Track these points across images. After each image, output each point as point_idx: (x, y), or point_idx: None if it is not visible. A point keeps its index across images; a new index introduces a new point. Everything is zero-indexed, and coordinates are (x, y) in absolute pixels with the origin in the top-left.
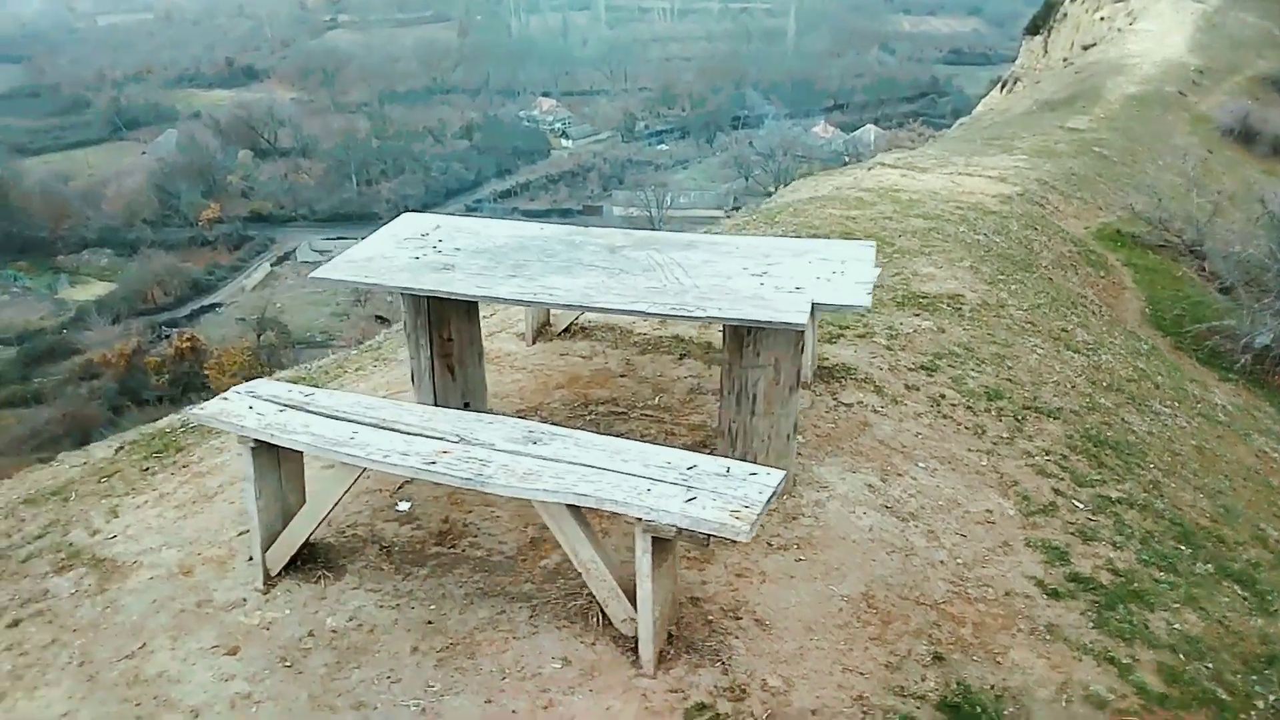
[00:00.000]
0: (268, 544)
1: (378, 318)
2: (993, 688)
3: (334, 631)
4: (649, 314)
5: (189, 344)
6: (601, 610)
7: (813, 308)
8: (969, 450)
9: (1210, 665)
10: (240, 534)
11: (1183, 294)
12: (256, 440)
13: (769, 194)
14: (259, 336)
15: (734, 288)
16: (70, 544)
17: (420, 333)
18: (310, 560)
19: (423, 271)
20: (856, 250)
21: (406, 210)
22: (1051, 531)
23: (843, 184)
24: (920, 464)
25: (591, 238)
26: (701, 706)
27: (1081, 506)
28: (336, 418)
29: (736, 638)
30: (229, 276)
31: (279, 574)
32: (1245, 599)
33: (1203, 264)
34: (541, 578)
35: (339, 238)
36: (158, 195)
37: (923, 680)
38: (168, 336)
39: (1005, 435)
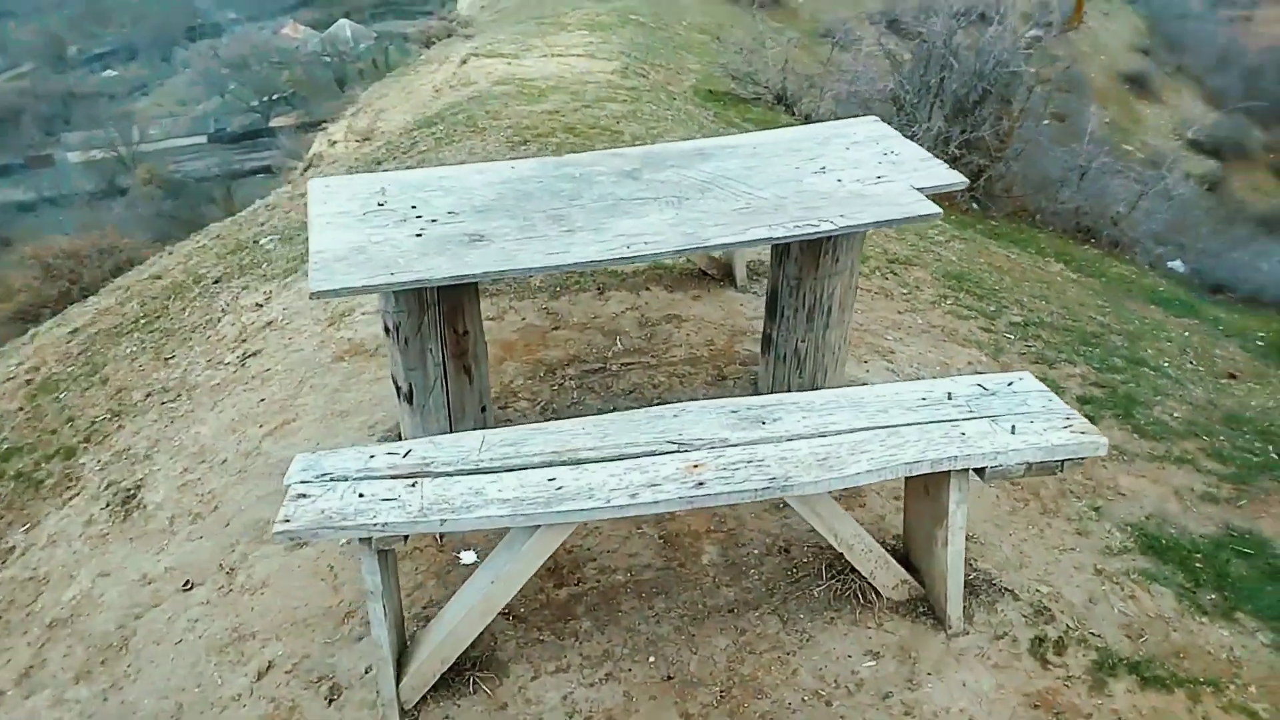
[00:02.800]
0: (400, 671)
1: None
2: None
3: None
4: (781, 238)
5: None
6: (867, 585)
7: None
8: (902, 313)
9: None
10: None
11: None
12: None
13: (254, 109)
14: None
15: (823, 189)
16: None
17: (429, 333)
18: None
19: (448, 249)
20: (872, 128)
21: None
22: (1024, 367)
23: (473, 78)
24: (895, 337)
25: (587, 166)
26: (1039, 640)
27: (1013, 339)
28: (511, 468)
29: (983, 560)
30: None
31: (414, 706)
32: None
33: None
34: (731, 577)
35: None
36: None
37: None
38: None
39: (930, 298)
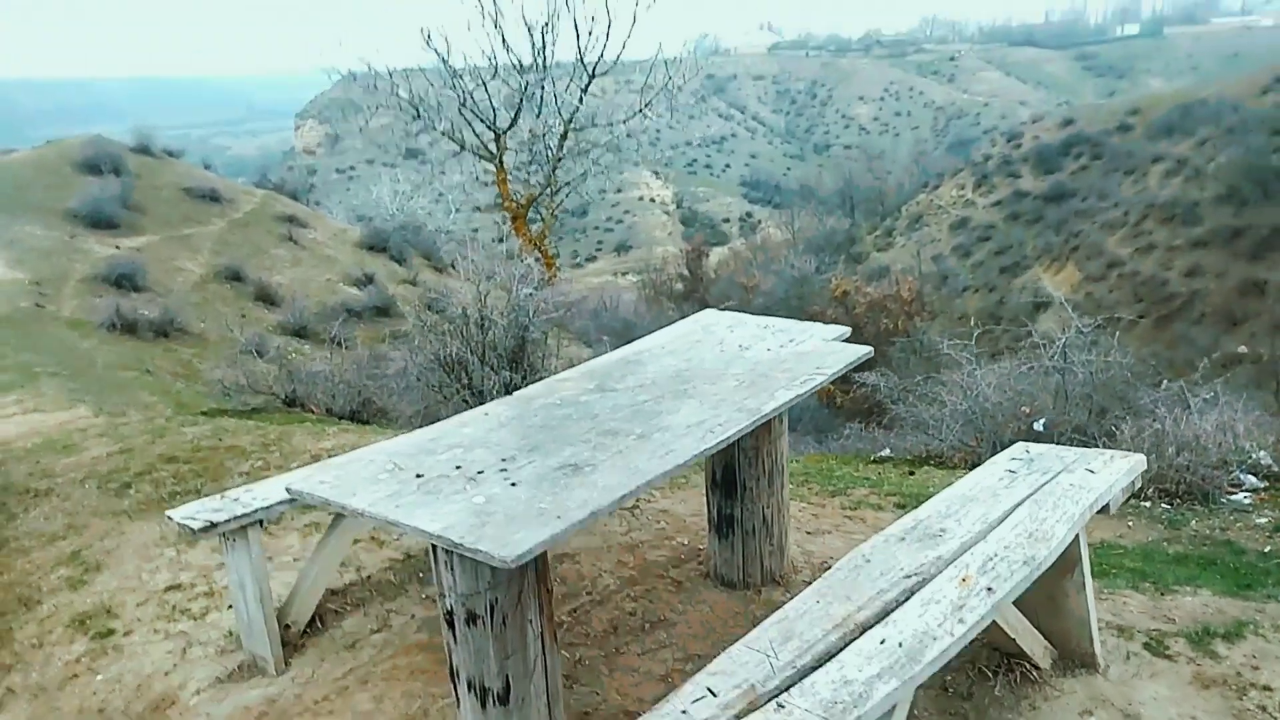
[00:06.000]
0: None
1: None
2: None
3: None
4: (802, 394)
5: None
6: (1019, 662)
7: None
8: None
9: None
10: None
11: None
12: None
13: None
14: None
15: (768, 359)
16: None
17: (529, 600)
18: None
19: (556, 489)
20: (720, 316)
21: None
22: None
23: None
24: None
25: (557, 394)
26: (1158, 641)
27: None
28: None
29: None
30: None
31: None
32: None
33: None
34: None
35: None
36: None
37: None
38: None
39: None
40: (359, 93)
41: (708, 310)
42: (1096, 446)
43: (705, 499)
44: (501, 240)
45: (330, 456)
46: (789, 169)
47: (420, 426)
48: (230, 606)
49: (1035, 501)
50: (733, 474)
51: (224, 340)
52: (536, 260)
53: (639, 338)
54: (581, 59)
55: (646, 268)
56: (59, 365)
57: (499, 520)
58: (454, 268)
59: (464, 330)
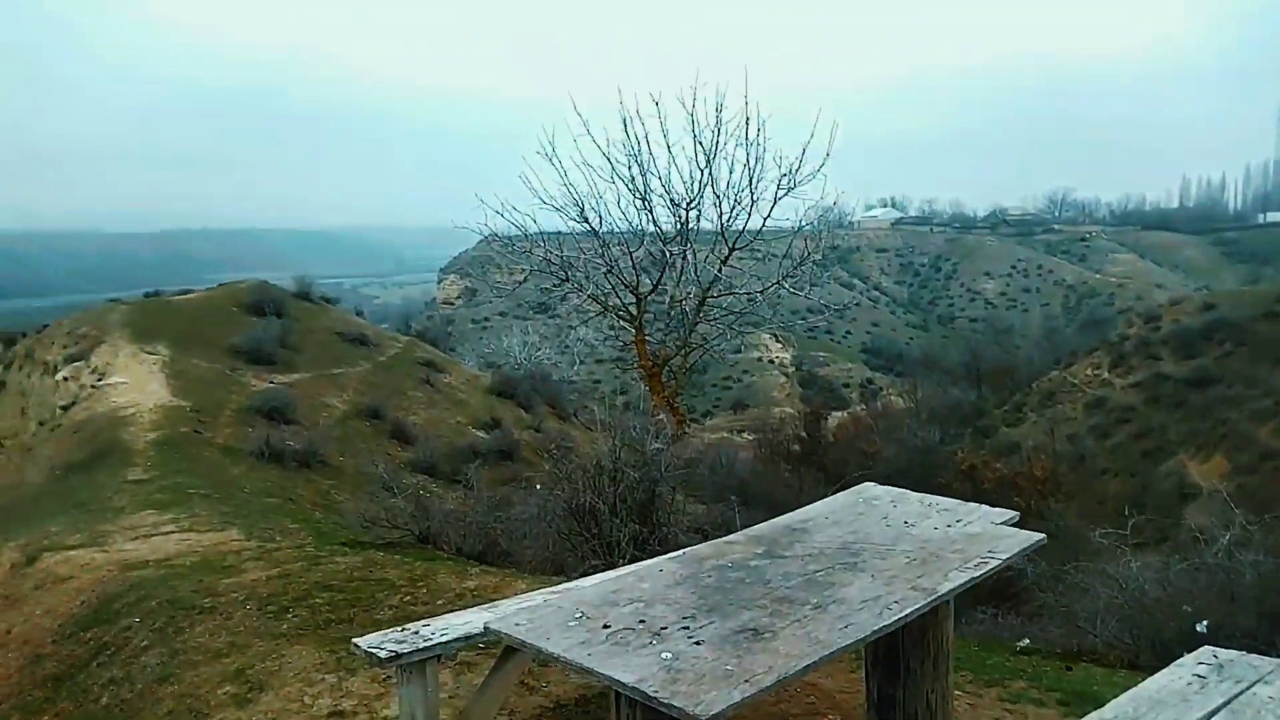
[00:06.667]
0: None
1: None
2: None
3: None
4: (983, 575)
5: None
6: None
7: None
8: None
9: None
10: None
11: None
12: None
13: None
14: None
15: (937, 537)
16: None
17: None
18: None
19: (740, 652)
20: (882, 489)
21: None
22: None
23: (64, 574)
24: None
25: (724, 556)
26: None
27: None
28: None
29: None
30: None
31: None
32: None
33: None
34: None
35: None
36: None
37: None
38: None
39: None
40: (498, 251)
41: (868, 483)
42: (1272, 655)
43: (864, 677)
44: (623, 392)
45: (474, 596)
46: (911, 338)
47: (548, 573)
48: None
49: (1231, 711)
50: (896, 654)
51: (359, 474)
52: (668, 416)
53: (756, 497)
54: (723, 232)
55: (763, 426)
56: (210, 488)
57: (689, 678)
58: (576, 417)
59: (596, 480)
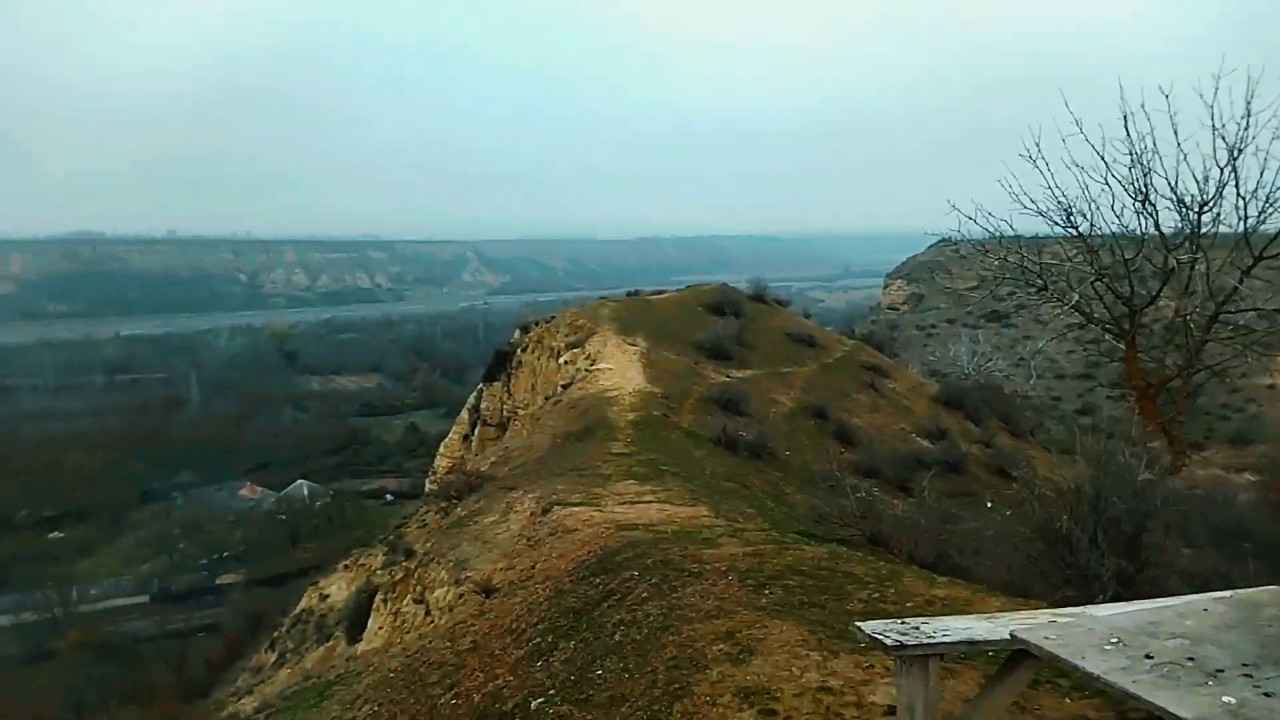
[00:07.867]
0: None
1: None
2: None
3: None
4: None
5: None
6: None
7: None
8: None
9: None
10: None
11: None
12: None
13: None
14: None
15: None
16: None
17: None
18: None
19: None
20: None
21: None
22: None
23: (570, 525)
24: None
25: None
26: None
27: None
28: None
29: None
30: None
31: None
32: None
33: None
34: None
35: None
36: None
37: None
38: None
39: None
40: (966, 254)
41: None
42: None
43: None
44: (1086, 413)
45: (944, 606)
46: None
47: (1008, 594)
48: None
49: None
50: None
51: (805, 469)
52: (1163, 445)
53: (1262, 547)
54: (1247, 238)
55: (1270, 467)
56: (678, 467)
57: None
58: (1032, 435)
59: (1074, 506)
